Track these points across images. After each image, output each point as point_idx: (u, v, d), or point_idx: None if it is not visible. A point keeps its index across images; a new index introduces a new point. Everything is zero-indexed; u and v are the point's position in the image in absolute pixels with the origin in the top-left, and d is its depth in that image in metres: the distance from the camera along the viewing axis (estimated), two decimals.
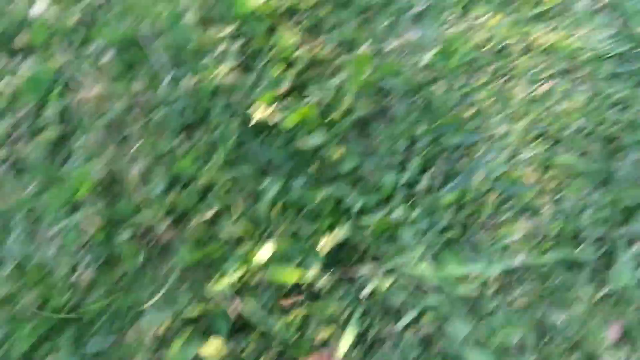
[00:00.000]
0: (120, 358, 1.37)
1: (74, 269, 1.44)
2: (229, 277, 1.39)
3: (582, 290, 1.45)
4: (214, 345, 1.34)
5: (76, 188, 1.50)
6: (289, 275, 1.40)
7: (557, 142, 1.67)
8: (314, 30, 1.81)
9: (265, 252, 1.41)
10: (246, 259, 1.43)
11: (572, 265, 1.48)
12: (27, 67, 1.60)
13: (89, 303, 1.40)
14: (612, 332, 1.41)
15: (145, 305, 1.39)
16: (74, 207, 1.50)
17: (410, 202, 1.56)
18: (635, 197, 1.55)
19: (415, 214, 1.53)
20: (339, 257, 1.51)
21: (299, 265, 1.44)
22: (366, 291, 1.41)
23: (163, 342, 1.36)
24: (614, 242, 1.50)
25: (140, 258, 1.45)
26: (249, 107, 1.59)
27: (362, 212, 1.54)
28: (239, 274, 1.39)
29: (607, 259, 1.49)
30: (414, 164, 1.60)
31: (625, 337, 1.41)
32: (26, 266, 1.43)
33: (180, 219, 1.50)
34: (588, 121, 1.69)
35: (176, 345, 1.33)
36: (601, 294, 1.45)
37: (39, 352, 1.36)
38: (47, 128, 1.57)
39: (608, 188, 1.58)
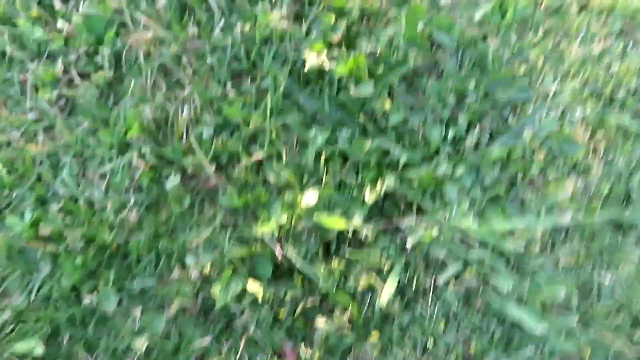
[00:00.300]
0: (164, 295, 1.39)
1: (121, 209, 1.45)
2: (273, 221, 1.39)
3: (630, 251, 1.42)
4: (257, 285, 1.35)
5: (126, 129, 1.51)
6: (334, 222, 1.40)
7: (610, 102, 1.63)
8: None
9: (310, 198, 1.41)
10: (291, 205, 1.43)
11: (621, 226, 1.45)
12: (83, 9, 1.61)
13: (135, 242, 1.42)
14: None
15: (190, 246, 1.40)
16: (124, 149, 1.52)
17: (456, 157, 1.54)
18: None
19: (461, 169, 1.51)
20: (384, 209, 1.50)
21: (343, 213, 1.44)
22: (409, 242, 1.40)
23: (207, 281, 1.38)
24: None
25: (187, 200, 1.46)
26: (299, 56, 1.58)
27: (408, 165, 1.52)
28: (283, 218, 1.40)
29: None
30: (462, 119, 1.57)
31: None
32: (75, 204, 1.45)
33: (227, 164, 1.51)
34: None
35: (221, 283, 1.35)
36: None
37: (86, 286, 1.39)
38: (100, 70, 1.58)
39: None
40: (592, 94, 1.64)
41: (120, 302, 1.40)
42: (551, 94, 1.62)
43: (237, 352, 1.34)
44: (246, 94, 1.56)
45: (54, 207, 1.46)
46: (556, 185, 1.49)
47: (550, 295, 1.37)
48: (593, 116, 1.60)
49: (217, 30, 1.61)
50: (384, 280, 1.38)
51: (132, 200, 1.47)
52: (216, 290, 1.35)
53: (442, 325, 1.36)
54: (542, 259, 1.42)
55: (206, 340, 1.35)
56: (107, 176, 1.50)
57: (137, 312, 1.38)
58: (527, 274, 1.41)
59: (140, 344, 1.34)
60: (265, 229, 1.38)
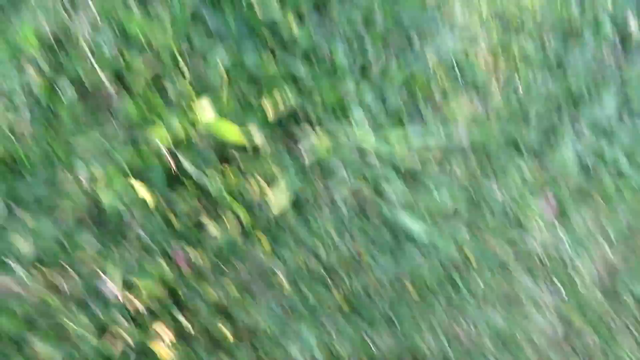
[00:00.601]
0: (55, 203, 1.36)
1: (16, 122, 1.42)
2: (170, 130, 1.38)
3: (523, 167, 1.45)
4: (148, 192, 1.34)
5: (24, 43, 1.47)
6: (231, 132, 1.39)
7: (516, 29, 1.65)
8: None
9: (209, 109, 1.40)
10: (189, 116, 1.41)
11: (517, 144, 1.48)
12: None
13: (27, 151, 1.39)
14: (546, 209, 1.42)
15: (83, 154, 1.38)
16: (21, 62, 1.48)
17: (361, 78, 1.55)
18: (585, 85, 1.55)
19: (365, 90, 1.52)
20: (285, 125, 1.50)
21: (242, 127, 1.43)
22: (307, 156, 1.40)
23: (99, 188, 1.36)
24: (559, 126, 1.51)
25: (83, 112, 1.43)
26: None
27: (313, 85, 1.52)
28: (180, 127, 1.38)
29: (551, 141, 1.49)
30: (369, 42, 1.57)
31: (559, 215, 1.43)
32: None
33: (126, 77, 1.48)
34: (549, 12, 1.66)
35: (111, 188, 1.34)
36: (541, 173, 1.45)
37: None
38: None
39: (559, 75, 1.57)
40: (498, 21, 1.66)
41: (10, 210, 1.36)
42: (458, 19, 1.63)
43: (129, 258, 1.33)
44: (150, 9, 1.53)
45: None
46: (456, 106, 1.51)
47: (442, 207, 1.39)
48: (497, 41, 1.61)
49: None
50: (278, 191, 1.38)
51: (28, 114, 1.43)
52: (106, 195, 1.33)
53: (335, 236, 1.37)
54: (438, 173, 1.44)
55: (96, 246, 1.33)
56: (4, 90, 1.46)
57: (28, 218, 1.34)
58: (421, 188, 1.43)
59: (28, 247, 1.31)
60: (160, 137, 1.37)
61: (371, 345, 1.30)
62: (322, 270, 1.35)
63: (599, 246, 1.40)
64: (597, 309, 1.33)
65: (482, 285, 1.35)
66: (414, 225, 1.37)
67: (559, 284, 1.36)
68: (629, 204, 1.44)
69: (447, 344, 1.30)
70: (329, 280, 1.35)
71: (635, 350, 1.28)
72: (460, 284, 1.35)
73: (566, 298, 1.35)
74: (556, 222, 1.41)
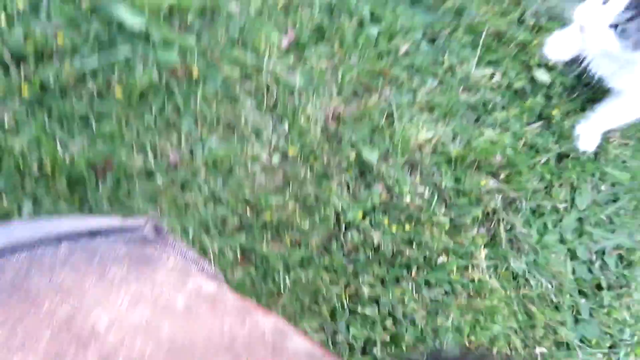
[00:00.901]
0: None
1: None
2: None
3: None
4: None
5: None
6: None
7: None
8: None
9: None
10: None
11: None
12: None
13: None
14: (284, 40, 1.32)
15: None
16: None
17: None
18: None
19: None
20: None
21: None
22: None
23: None
24: None
25: None
26: None
27: None
28: None
29: None
30: None
31: (295, 50, 1.33)
32: None
33: None
34: None
35: None
36: (284, 1, 1.33)
37: None
38: None
39: None
40: None
41: None
42: None
43: None
44: None
45: None
46: None
47: (166, 5, 1.19)
48: None
49: None
50: None
51: None
52: None
53: (29, 13, 1.09)
54: None
55: None
56: None
57: None
58: None
59: None
60: None
61: (58, 145, 1.07)
62: (4, 48, 1.06)
63: (328, 90, 1.33)
64: (315, 146, 1.28)
65: (201, 103, 1.19)
66: (132, 19, 1.14)
67: (283, 117, 1.27)
68: (362, 56, 1.39)
69: (152, 158, 1.13)
70: (10, 61, 1.07)
71: (340, 188, 1.25)
72: (177, 96, 1.18)
73: (288, 131, 1.26)
74: (291, 57, 1.31)
